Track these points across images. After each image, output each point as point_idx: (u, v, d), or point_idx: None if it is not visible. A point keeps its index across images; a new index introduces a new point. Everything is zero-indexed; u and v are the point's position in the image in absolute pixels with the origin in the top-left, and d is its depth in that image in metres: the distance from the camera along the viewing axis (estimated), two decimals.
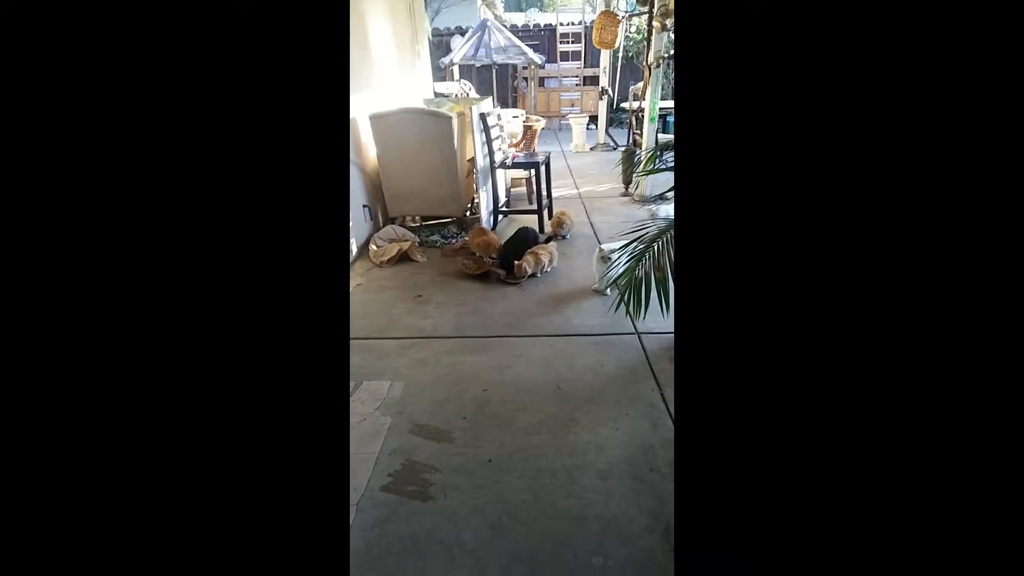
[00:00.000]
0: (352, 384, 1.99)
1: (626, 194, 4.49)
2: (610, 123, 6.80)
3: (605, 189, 4.75)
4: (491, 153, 3.49)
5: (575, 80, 8.33)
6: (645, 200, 4.20)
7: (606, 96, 6.38)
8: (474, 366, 2.10)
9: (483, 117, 3.40)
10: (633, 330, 2.31)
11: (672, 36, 3.89)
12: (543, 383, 1.98)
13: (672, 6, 3.67)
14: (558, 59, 8.19)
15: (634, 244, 1.84)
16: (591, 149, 6.61)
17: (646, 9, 5.85)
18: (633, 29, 7.44)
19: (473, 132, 3.35)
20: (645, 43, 7.68)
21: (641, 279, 1.71)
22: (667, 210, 3.06)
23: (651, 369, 2.03)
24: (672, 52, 3.84)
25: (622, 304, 1.76)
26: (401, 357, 2.17)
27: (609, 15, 5.74)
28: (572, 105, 8.29)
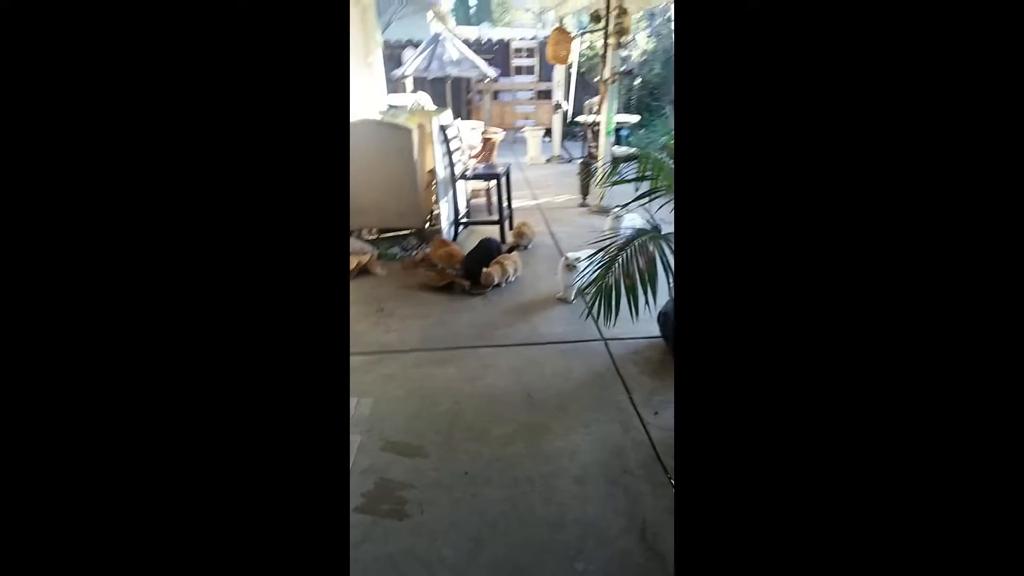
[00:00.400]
0: None
1: (584, 205, 4.60)
2: (565, 136, 6.95)
3: (563, 200, 4.84)
4: (452, 164, 3.49)
5: (529, 94, 8.48)
6: (604, 210, 4.31)
7: (560, 110, 6.53)
8: (444, 379, 2.07)
9: (443, 129, 3.40)
10: (599, 337, 2.35)
11: (624, 54, 4.06)
12: (514, 392, 1.98)
13: (626, 25, 3.83)
14: (512, 73, 8.32)
15: (602, 253, 1.89)
16: (546, 161, 6.73)
17: (598, 27, 6.07)
18: (586, 46, 7.67)
19: (434, 143, 3.34)
20: (600, 60, 7.96)
21: (611, 287, 1.75)
22: (631, 219, 3.15)
23: (619, 374, 2.08)
24: (624, 68, 3.99)
25: (592, 311, 1.79)
26: (367, 373, 2.12)
27: (562, 32, 5.89)
28: (526, 118, 8.42)
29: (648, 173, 2.10)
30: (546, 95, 8.27)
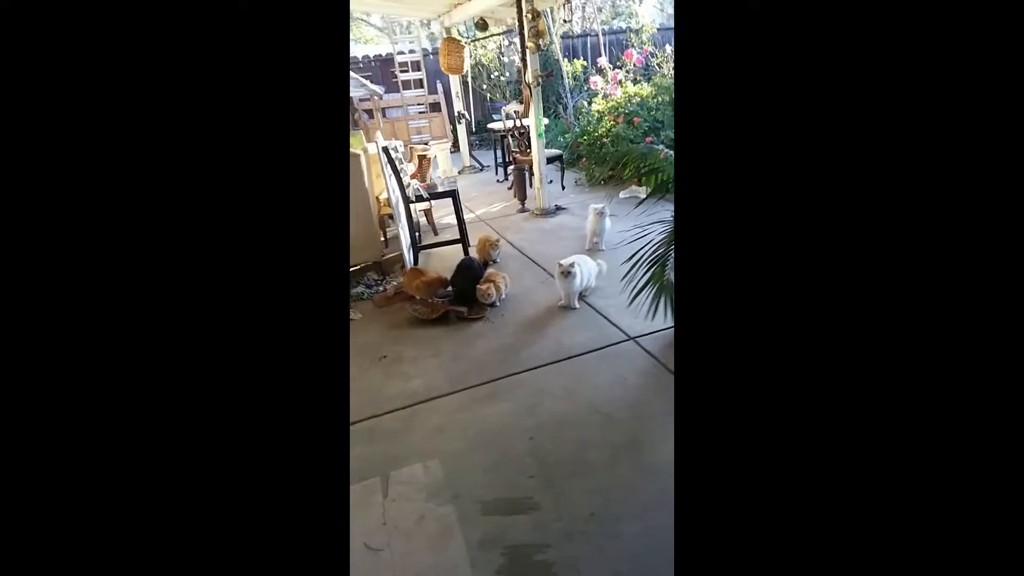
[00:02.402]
0: (377, 479, 1.62)
1: (524, 210, 4.56)
2: (472, 146, 6.87)
3: (500, 208, 4.76)
4: (402, 187, 3.23)
5: (420, 107, 8.25)
6: (547, 213, 4.31)
7: (464, 120, 6.44)
8: (500, 416, 1.88)
9: (386, 151, 3.13)
10: (627, 336, 2.31)
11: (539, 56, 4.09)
12: (582, 412, 1.86)
13: (541, 27, 3.85)
14: (400, 88, 8.02)
15: (641, 251, 1.85)
16: (459, 173, 6.60)
17: (482, 36, 6.08)
18: (467, 55, 7.64)
19: (382, 168, 3.06)
20: (490, 67, 7.93)
21: (672, 283, 1.71)
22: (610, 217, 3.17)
23: (670, 371, 2.05)
24: (549, 72, 4.02)
25: (658, 309, 1.74)
26: (412, 430, 1.85)
27: (453, 41, 5.83)
28: (420, 133, 8.18)
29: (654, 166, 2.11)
30: (436, 107, 8.10)
